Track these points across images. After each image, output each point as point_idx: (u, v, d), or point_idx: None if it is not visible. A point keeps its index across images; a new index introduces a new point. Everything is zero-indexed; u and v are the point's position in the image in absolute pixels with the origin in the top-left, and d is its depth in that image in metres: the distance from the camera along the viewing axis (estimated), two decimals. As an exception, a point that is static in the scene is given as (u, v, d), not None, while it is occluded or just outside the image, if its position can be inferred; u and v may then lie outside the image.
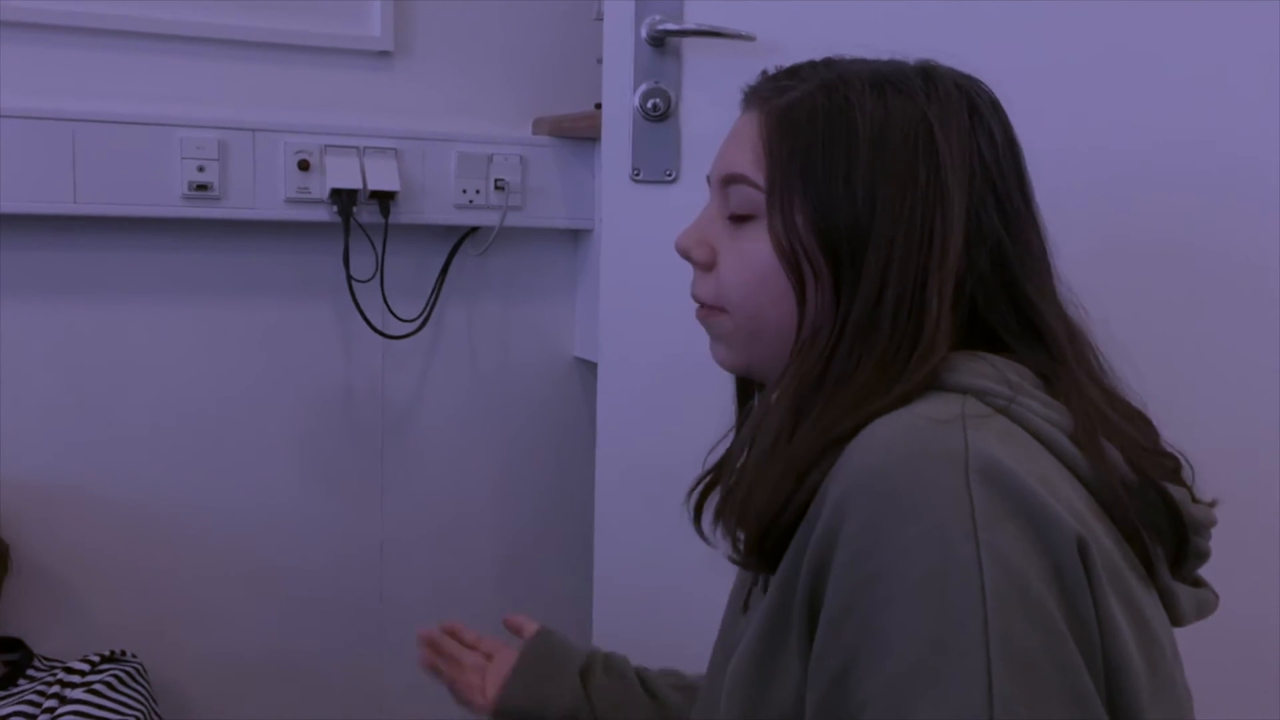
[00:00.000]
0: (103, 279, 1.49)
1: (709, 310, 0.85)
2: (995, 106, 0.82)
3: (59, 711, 1.31)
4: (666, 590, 1.41)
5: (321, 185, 1.51)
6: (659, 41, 1.34)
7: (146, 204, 1.45)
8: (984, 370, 0.74)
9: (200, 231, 1.52)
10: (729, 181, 0.83)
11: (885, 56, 0.83)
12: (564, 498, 1.75)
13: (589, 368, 1.69)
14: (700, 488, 0.89)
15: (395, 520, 1.68)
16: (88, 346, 1.49)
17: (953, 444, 0.66)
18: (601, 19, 1.36)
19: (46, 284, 1.47)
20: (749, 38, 1.32)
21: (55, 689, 1.34)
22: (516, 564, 1.75)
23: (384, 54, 1.59)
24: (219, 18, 1.50)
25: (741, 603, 0.87)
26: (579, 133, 1.60)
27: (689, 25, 1.33)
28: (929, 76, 0.80)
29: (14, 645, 1.43)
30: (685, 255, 0.86)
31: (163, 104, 1.47)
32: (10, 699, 1.33)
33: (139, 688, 1.40)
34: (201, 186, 1.46)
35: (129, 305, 1.51)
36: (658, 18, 1.33)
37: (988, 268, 0.78)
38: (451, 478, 1.70)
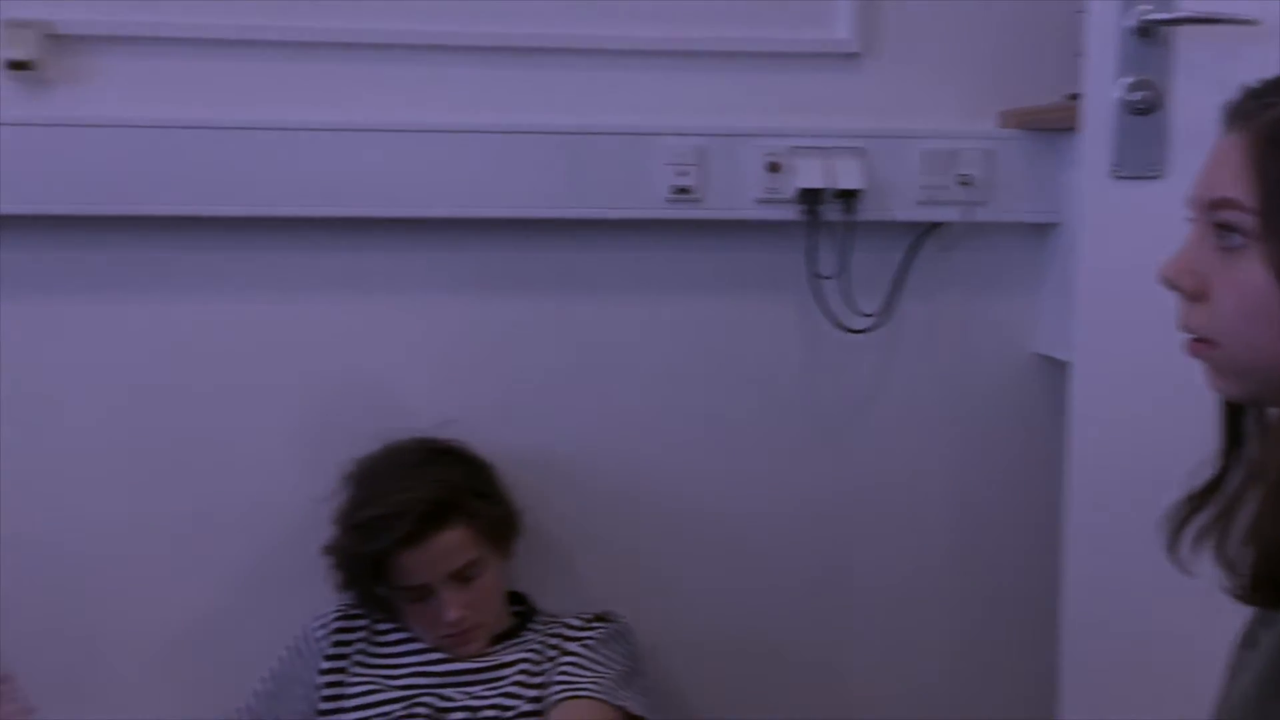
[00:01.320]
0: (594, 276, 1.65)
1: (1197, 344, 0.81)
2: None
3: (560, 660, 1.48)
4: (1147, 617, 1.34)
5: (789, 185, 1.58)
6: (1147, 31, 1.29)
7: (634, 207, 1.59)
8: None
9: (680, 231, 1.64)
10: (1215, 207, 0.78)
11: None
12: (1024, 496, 1.72)
13: (1051, 365, 1.65)
14: (1182, 513, 0.86)
15: (852, 512, 1.73)
16: (581, 335, 1.66)
17: None
18: (1084, 11, 1.32)
19: (543, 279, 1.64)
20: (1253, 22, 1.24)
21: (556, 641, 1.51)
22: (975, 562, 1.75)
23: (851, 56, 1.63)
24: (695, 31, 1.60)
25: (1244, 637, 0.84)
26: (1048, 125, 1.56)
27: (1182, 13, 1.26)
28: None
29: (520, 599, 1.63)
30: (1172, 286, 0.82)
31: (646, 115, 1.60)
32: (517, 645, 1.51)
33: (626, 646, 1.55)
34: (682, 190, 1.57)
35: (614, 299, 1.66)
36: (1147, 7, 1.28)
37: None
38: (909, 470, 1.73)
